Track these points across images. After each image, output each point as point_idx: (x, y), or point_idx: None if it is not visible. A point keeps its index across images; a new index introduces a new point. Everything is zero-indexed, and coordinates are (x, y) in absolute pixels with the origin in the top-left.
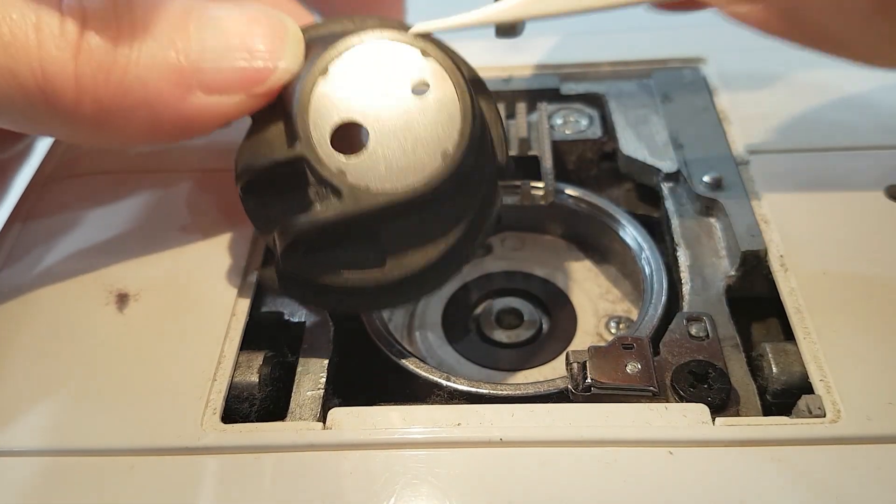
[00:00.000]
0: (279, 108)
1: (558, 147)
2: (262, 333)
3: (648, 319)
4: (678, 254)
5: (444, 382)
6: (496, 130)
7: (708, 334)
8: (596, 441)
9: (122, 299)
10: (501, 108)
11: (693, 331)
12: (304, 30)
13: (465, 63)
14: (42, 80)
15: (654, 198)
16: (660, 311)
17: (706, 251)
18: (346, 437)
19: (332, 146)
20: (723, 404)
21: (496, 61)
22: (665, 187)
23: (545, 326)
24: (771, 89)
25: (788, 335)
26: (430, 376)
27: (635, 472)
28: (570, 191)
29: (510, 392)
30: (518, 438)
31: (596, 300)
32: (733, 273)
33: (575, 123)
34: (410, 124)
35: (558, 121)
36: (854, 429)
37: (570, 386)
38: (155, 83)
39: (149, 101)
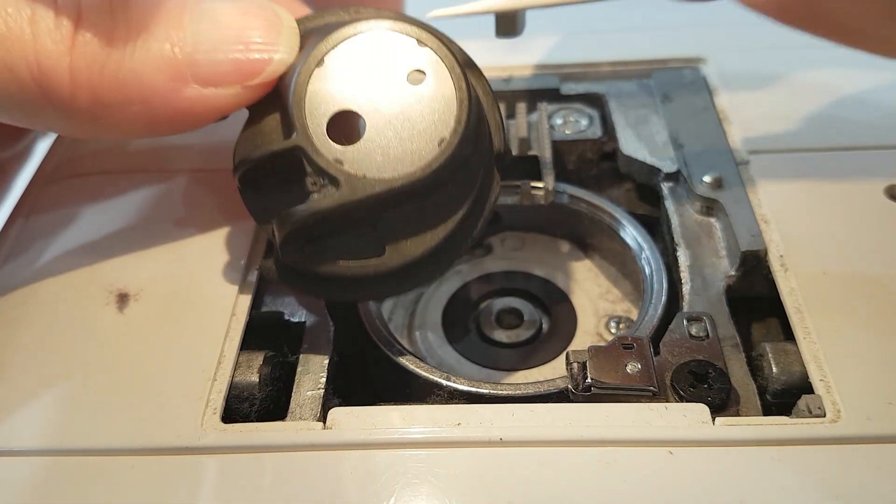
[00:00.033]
0: (275, 99)
1: (558, 147)
2: (262, 333)
3: (648, 319)
4: (678, 254)
5: (445, 382)
6: (493, 118)
7: (708, 334)
8: (596, 441)
9: (122, 299)
10: (501, 108)
11: (693, 331)
12: (300, 21)
13: (462, 52)
14: (38, 73)
15: (654, 198)
16: (660, 310)
17: (706, 251)
18: (346, 436)
19: (329, 136)
20: (723, 404)
21: (496, 61)
22: (665, 187)
23: (545, 326)
24: (771, 89)
25: (788, 335)
26: (431, 376)
27: (635, 472)
28: (570, 191)
29: (510, 392)
30: (518, 438)
31: (596, 300)
32: (733, 273)
33: (575, 123)
34: (407, 113)
35: (558, 121)
36: (854, 429)
37: (570, 386)
38: (150, 76)
39: (144, 93)
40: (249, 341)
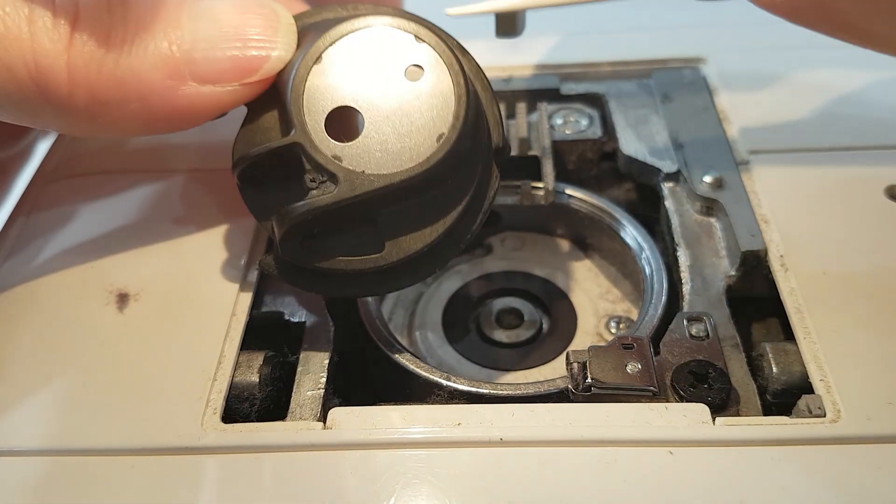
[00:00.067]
0: (274, 96)
1: (558, 147)
2: (262, 333)
3: (649, 319)
4: (678, 254)
5: (445, 382)
6: (492, 113)
7: (708, 334)
8: (596, 441)
9: (122, 299)
10: (502, 108)
11: (693, 331)
12: (297, 17)
13: (461, 47)
14: (36, 72)
15: (654, 198)
16: (660, 311)
17: (706, 251)
18: (346, 436)
19: (328, 133)
20: (723, 404)
21: (496, 61)
22: (665, 187)
23: (545, 326)
24: (771, 89)
25: (788, 335)
26: (431, 376)
27: (635, 472)
28: (570, 191)
29: (510, 392)
30: (518, 438)
31: (596, 300)
32: (733, 273)
33: (575, 123)
34: (405, 109)
35: (558, 121)
36: (854, 429)
37: (570, 386)
38: (148, 74)
39: (142, 92)
40: (249, 341)
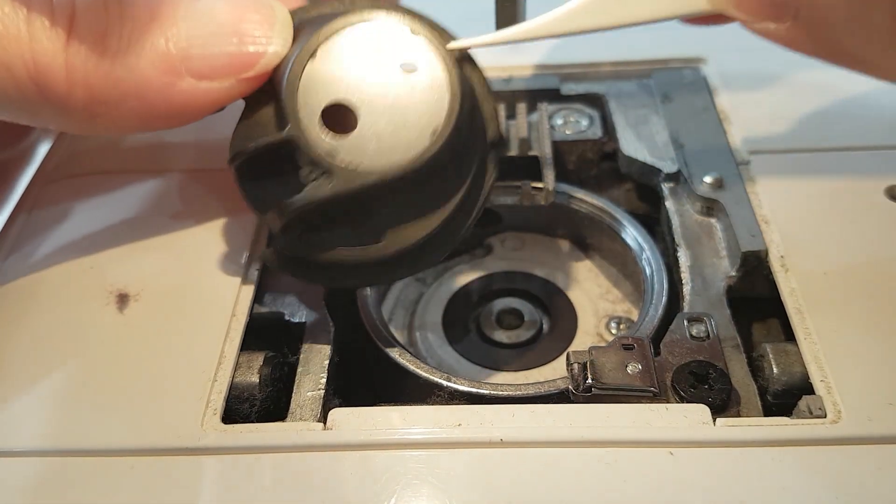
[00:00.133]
0: (270, 91)
1: (558, 147)
2: (262, 333)
3: (649, 320)
4: (679, 254)
5: (445, 383)
6: (487, 106)
7: (708, 335)
8: (596, 441)
9: (122, 299)
10: (501, 108)
11: (694, 331)
12: (294, 12)
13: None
14: (34, 71)
15: (654, 198)
16: (660, 311)
17: (706, 251)
18: (346, 437)
19: (323, 127)
20: (723, 405)
21: (496, 61)
22: (665, 187)
23: (545, 327)
24: (771, 89)
25: (789, 335)
26: (431, 377)
27: (636, 472)
28: (570, 191)
29: (511, 393)
30: (518, 439)
31: (596, 300)
32: (734, 273)
33: (575, 123)
34: (400, 103)
35: (558, 121)
36: (855, 429)
37: (570, 386)
38: (145, 71)
39: (139, 89)
40: (249, 342)
